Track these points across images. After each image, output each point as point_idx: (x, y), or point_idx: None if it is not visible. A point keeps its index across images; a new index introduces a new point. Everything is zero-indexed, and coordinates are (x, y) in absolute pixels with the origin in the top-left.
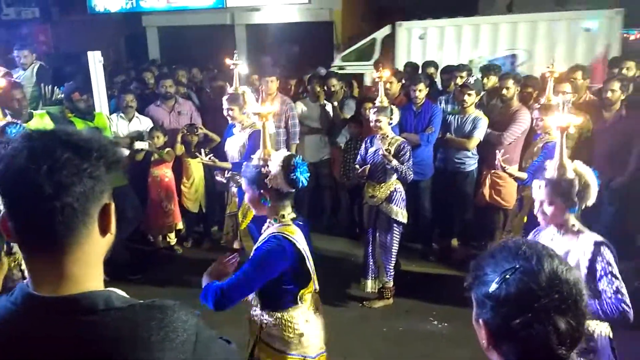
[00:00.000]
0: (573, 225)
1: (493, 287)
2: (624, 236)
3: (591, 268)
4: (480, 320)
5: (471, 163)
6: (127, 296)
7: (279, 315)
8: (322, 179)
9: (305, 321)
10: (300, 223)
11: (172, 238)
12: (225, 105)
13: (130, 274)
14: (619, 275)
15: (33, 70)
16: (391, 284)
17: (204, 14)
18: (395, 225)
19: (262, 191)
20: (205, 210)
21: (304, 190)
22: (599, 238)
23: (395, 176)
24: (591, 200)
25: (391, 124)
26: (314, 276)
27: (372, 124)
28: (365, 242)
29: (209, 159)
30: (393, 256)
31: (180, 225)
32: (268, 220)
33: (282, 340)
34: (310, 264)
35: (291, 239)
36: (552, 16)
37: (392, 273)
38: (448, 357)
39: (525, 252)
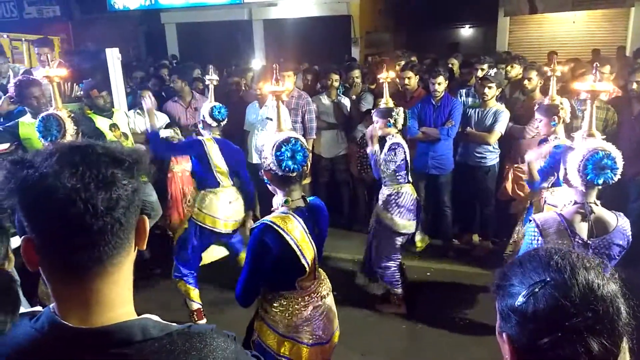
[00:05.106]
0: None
1: (520, 300)
2: None
3: None
4: (504, 335)
5: (492, 157)
6: (162, 321)
7: (273, 297)
8: (339, 174)
9: (301, 307)
10: (305, 211)
11: None
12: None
13: (150, 268)
14: None
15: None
16: (399, 291)
17: (222, 10)
18: (389, 232)
19: (262, 171)
20: None
21: (321, 186)
22: None
23: (392, 179)
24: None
25: (390, 125)
26: (308, 264)
27: (376, 125)
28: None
29: None
30: (383, 262)
31: None
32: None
33: (273, 320)
34: (301, 253)
35: (278, 229)
36: None
37: (395, 280)
38: (467, 356)
39: (557, 263)
